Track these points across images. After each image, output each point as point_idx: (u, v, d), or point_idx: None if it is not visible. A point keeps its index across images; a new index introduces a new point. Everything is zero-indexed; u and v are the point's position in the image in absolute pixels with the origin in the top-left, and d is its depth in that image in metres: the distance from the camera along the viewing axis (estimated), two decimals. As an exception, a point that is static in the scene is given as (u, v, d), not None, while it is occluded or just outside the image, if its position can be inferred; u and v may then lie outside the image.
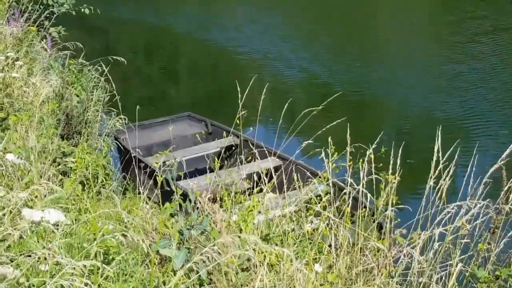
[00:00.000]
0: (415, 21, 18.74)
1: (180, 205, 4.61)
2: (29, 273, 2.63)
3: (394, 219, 3.83)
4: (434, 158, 3.68)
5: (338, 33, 16.91)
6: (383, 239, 3.83)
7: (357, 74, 13.05)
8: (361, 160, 4.20)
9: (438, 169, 3.67)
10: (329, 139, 4.41)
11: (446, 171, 3.73)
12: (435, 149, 3.70)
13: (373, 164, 4.04)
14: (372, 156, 4.16)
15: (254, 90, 5.74)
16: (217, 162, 5.55)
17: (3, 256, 2.45)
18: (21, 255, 2.70)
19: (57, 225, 2.73)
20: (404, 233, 3.64)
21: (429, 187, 3.71)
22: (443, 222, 3.45)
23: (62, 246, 3.12)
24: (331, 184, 4.23)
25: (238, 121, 5.27)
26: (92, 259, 3.02)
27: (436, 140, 3.72)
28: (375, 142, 4.36)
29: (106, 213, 4.27)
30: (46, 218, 2.26)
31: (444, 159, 3.74)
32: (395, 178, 3.86)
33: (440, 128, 3.72)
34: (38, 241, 3.05)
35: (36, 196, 3.29)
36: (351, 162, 4.45)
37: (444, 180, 3.71)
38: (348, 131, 4.33)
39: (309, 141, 5.05)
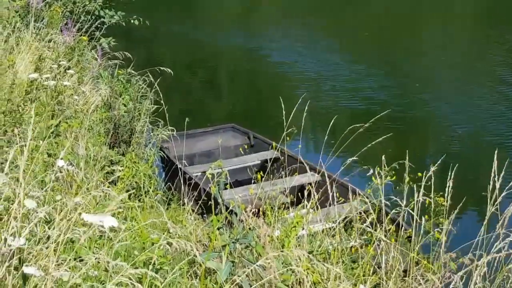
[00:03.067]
0: (465, 42, 18.54)
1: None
2: (82, 278, 2.70)
3: (443, 242, 3.80)
4: (491, 182, 3.61)
5: (385, 52, 16.81)
6: (427, 260, 3.81)
7: (404, 92, 12.96)
8: (406, 181, 4.18)
9: (494, 193, 3.60)
10: (383, 157, 4.39)
11: (492, 196, 3.68)
12: (492, 173, 3.63)
13: (422, 184, 4.00)
14: (420, 174, 4.13)
15: (296, 104, 5.80)
16: (260, 175, 5.60)
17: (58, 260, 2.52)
18: (75, 259, 2.77)
19: (113, 232, 2.80)
20: (453, 257, 3.61)
21: (486, 211, 3.65)
22: (495, 248, 3.39)
23: (110, 253, 3.19)
24: (383, 204, 4.19)
25: (286, 137, 5.30)
26: (140, 268, 3.09)
27: (493, 163, 3.65)
28: (422, 163, 4.34)
29: (151, 222, 4.37)
30: (103, 224, 2.32)
31: (499, 182, 3.67)
32: (446, 201, 3.83)
33: (496, 152, 3.67)
34: (89, 247, 3.13)
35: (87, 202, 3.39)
36: (397, 180, 4.45)
37: (490, 205, 3.66)
38: (407, 153, 4.29)
39: (354, 158, 5.05)
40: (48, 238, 2.39)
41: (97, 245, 3.40)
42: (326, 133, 5.56)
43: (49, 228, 2.66)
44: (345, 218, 4.76)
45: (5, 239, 2.05)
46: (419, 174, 4.08)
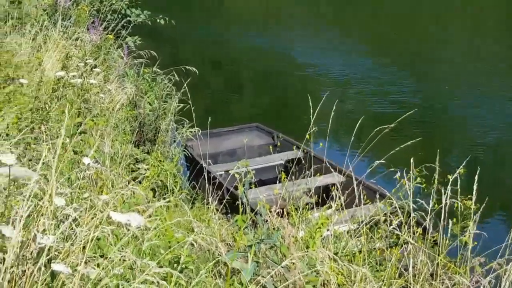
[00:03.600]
0: (497, 47, 18.29)
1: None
2: (108, 276, 2.71)
3: (470, 246, 3.76)
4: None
5: (413, 54, 16.67)
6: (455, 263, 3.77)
7: (432, 94, 12.85)
8: (435, 183, 4.14)
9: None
10: (411, 160, 4.35)
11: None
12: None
13: (449, 187, 3.96)
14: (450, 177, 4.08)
15: (322, 105, 5.77)
16: (283, 175, 5.58)
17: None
18: (101, 257, 2.78)
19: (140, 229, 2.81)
20: (481, 262, 3.56)
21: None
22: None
23: (136, 252, 3.21)
24: (411, 207, 4.15)
25: (310, 137, 5.28)
26: (165, 266, 3.09)
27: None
28: (449, 166, 4.30)
29: (176, 221, 4.38)
30: (131, 223, 2.32)
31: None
32: (474, 205, 3.79)
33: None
34: (115, 245, 3.14)
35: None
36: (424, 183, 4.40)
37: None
38: (437, 154, 4.24)
39: (381, 161, 5.01)
40: (76, 235, 2.39)
41: (122, 243, 3.41)
42: (351, 134, 5.53)
43: (76, 226, 2.67)
44: (371, 219, 4.72)
45: (35, 236, 2.07)
46: (449, 176, 4.03)
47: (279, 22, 20.96)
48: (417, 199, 4.30)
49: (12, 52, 7.19)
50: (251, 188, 6.53)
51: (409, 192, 4.20)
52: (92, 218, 2.45)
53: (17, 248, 1.93)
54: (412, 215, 4.13)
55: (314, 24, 20.46)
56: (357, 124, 5.30)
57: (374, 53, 16.66)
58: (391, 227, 4.07)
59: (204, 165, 6.75)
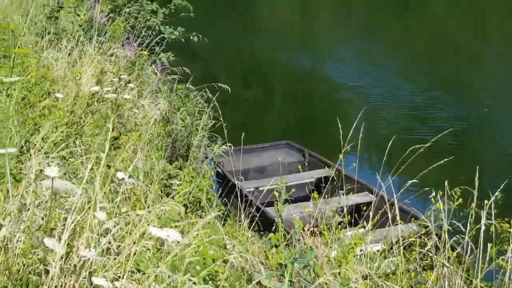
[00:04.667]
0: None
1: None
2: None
3: (508, 270, 3.70)
4: None
5: (450, 73, 16.47)
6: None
7: (469, 115, 12.69)
8: (471, 206, 4.09)
9: None
10: (445, 183, 4.31)
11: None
12: None
13: (485, 210, 3.91)
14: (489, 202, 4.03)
15: (353, 122, 5.76)
16: (316, 194, 5.57)
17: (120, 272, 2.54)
18: (138, 272, 2.79)
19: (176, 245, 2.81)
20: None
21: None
22: None
23: (169, 266, 3.21)
24: (446, 229, 4.10)
25: (341, 156, 5.26)
26: (198, 283, 3.09)
27: None
28: (485, 189, 4.24)
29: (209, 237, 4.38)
30: (169, 238, 2.34)
31: None
32: (511, 227, 3.73)
33: None
34: (150, 260, 3.16)
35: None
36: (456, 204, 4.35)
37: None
38: (477, 178, 4.18)
39: (414, 181, 4.96)
40: (116, 250, 2.41)
41: (155, 258, 3.42)
42: (382, 154, 5.50)
43: (114, 240, 2.69)
44: (405, 240, 4.67)
45: (77, 249, 2.08)
46: (486, 202, 3.98)
47: (312, 40, 21.00)
48: (453, 221, 4.25)
49: (48, 66, 7.31)
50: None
51: (443, 214, 4.15)
52: (132, 233, 2.47)
53: (61, 260, 1.94)
54: (447, 237, 4.08)
55: (348, 42, 20.44)
56: (389, 144, 5.27)
57: (409, 70, 16.51)
58: (426, 249, 4.02)
59: (235, 182, 6.77)
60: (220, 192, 6.16)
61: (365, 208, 6.13)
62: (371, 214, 4.68)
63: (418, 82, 14.98)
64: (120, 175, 4.77)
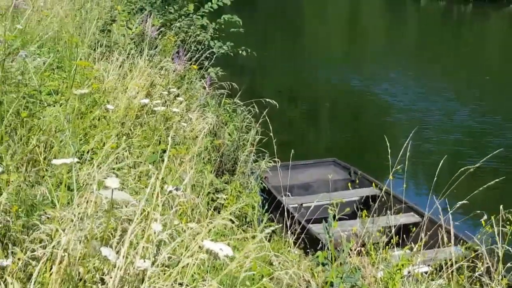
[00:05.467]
0: None
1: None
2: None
3: None
4: None
5: (505, 96, 16.16)
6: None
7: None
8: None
9: None
10: (501, 207, 4.23)
11: None
12: None
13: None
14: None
15: (401, 143, 5.71)
16: (364, 213, 5.53)
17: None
18: (184, 285, 2.81)
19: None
20: None
21: None
22: None
23: (220, 281, 3.22)
24: (500, 253, 4.02)
25: (391, 177, 5.21)
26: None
27: None
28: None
29: (255, 253, 4.38)
30: (222, 252, 2.34)
31: None
32: None
33: None
34: (198, 274, 3.17)
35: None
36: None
37: None
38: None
39: (464, 202, 4.89)
40: (170, 261, 2.43)
41: (203, 272, 3.44)
42: (429, 174, 5.46)
43: (165, 251, 2.71)
44: (452, 263, 4.59)
45: (134, 260, 2.11)
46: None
47: (362, 59, 20.90)
48: (504, 245, 4.16)
49: (99, 78, 7.45)
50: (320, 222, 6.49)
51: (496, 237, 4.06)
52: (184, 246, 2.48)
53: (120, 271, 1.97)
54: (500, 262, 3.99)
55: (400, 63, 20.26)
56: (440, 165, 5.21)
57: (463, 95, 16.21)
58: (477, 273, 3.94)
59: (281, 198, 6.77)
60: (265, 207, 6.16)
61: (413, 229, 6.06)
62: (422, 235, 4.62)
63: (473, 107, 14.71)
64: (168, 187, 4.82)
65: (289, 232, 5.01)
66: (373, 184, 7.81)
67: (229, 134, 7.26)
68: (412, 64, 20.05)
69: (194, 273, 3.24)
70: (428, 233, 4.80)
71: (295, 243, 5.07)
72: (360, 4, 40.65)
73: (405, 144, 5.25)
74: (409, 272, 4.50)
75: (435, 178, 5.14)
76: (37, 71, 6.33)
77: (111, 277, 1.96)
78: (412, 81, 17.32)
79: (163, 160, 5.75)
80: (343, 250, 3.96)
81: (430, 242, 4.98)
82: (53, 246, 2.19)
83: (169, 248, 2.27)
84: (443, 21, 33.87)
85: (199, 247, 2.44)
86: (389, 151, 5.07)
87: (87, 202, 2.24)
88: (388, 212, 5.94)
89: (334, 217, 4.57)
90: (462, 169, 5.11)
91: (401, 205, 6.36)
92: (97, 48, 8.19)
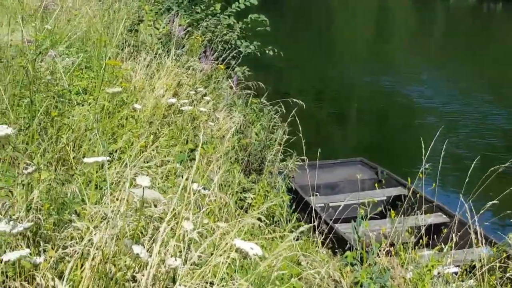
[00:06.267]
0: None
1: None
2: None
3: None
4: None
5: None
6: None
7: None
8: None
9: None
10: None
11: None
12: None
13: None
14: None
15: (430, 143, 5.64)
16: (393, 213, 5.47)
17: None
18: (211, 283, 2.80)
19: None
20: None
21: None
22: None
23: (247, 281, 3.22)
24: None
25: (420, 175, 5.16)
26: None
27: None
28: None
29: (283, 253, 4.37)
30: (252, 252, 2.33)
31: None
32: None
33: None
34: (227, 273, 3.17)
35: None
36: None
37: None
38: None
39: (494, 202, 4.82)
40: (200, 260, 2.43)
41: (229, 271, 3.44)
42: (459, 175, 5.39)
43: (195, 250, 2.71)
44: (482, 263, 4.54)
45: (165, 258, 2.11)
46: None
47: (390, 61, 20.73)
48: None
49: (127, 78, 7.49)
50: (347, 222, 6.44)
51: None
52: (215, 245, 2.48)
53: (152, 269, 1.97)
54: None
55: (429, 60, 20.05)
56: (472, 165, 5.14)
57: (494, 96, 15.97)
58: (508, 274, 3.88)
59: (306, 197, 6.74)
60: (293, 207, 6.13)
61: (443, 229, 5.99)
62: (453, 236, 4.57)
63: (506, 109, 14.48)
64: (195, 186, 4.83)
65: (317, 232, 4.98)
66: (398, 184, 7.74)
67: (256, 134, 7.25)
68: (442, 63, 19.82)
69: (218, 272, 3.24)
70: (458, 233, 4.74)
71: (322, 243, 5.04)
72: (388, 1, 40.36)
73: (431, 144, 5.19)
74: (438, 273, 4.44)
75: (467, 179, 5.07)
76: (65, 70, 6.39)
77: (143, 275, 1.96)
78: (442, 81, 17.13)
79: (190, 159, 5.77)
80: (372, 251, 3.93)
81: (459, 242, 4.93)
82: (85, 244, 2.20)
83: (201, 247, 2.26)
84: (473, 19, 33.47)
85: (230, 246, 2.43)
86: (423, 152, 5.01)
87: (120, 200, 2.24)
88: (418, 212, 5.88)
89: (364, 217, 4.55)
90: (492, 169, 5.04)
91: (429, 205, 6.29)
92: (125, 47, 8.23)
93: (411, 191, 5.79)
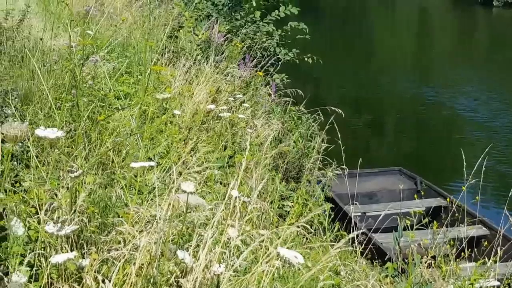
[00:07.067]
0: None
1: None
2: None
3: None
4: None
5: None
6: None
7: None
8: None
9: None
10: None
11: None
12: None
13: None
14: None
15: (472, 157, 5.56)
16: (436, 225, 5.38)
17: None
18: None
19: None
20: None
21: None
22: None
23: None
24: None
25: (463, 188, 5.07)
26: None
27: None
28: None
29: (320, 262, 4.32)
30: (296, 260, 2.31)
31: None
32: None
33: None
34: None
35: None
36: None
37: None
38: None
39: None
40: (243, 267, 2.41)
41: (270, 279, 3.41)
42: (500, 188, 5.29)
43: (236, 257, 2.70)
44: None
45: (210, 264, 2.09)
46: None
47: (431, 71, 20.46)
48: None
49: (166, 83, 7.54)
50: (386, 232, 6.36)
51: None
52: (258, 252, 2.46)
53: (198, 274, 1.96)
54: None
55: (472, 70, 19.71)
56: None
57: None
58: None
59: (346, 207, 6.68)
60: (331, 216, 6.09)
61: (484, 242, 5.88)
62: (499, 250, 4.47)
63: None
64: (234, 193, 4.81)
65: (356, 242, 4.92)
66: (440, 195, 7.63)
67: (294, 142, 7.22)
68: (488, 74, 19.45)
69: (263, 280, 3.22)
70: (503, 247, 4.64)
71: (361, 253, 4.98)
72: (429, 8, 39.89)
73: (479, 160, 5.09)
74: (480, 287, 4.36)
75: (511, 193, 4.96)
76: (106, 76, 6.46)
77: (187, 280, 1.95)
78: (487, 93, 16.77)
79: (229, 166, 5.77)
80: (414, 263, 3.86)
81: (503, 256, 4.83)
82: (130, 248, 2.20)
83: (245, 253, 2.25)
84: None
85: (273, 254, 2.41)
86: (464, 164, 4.92)
87: (169, 204, 2.24)
88: (461, 225, 5.78)
89: (394, 228, 4.48)
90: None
91: (469, 217, 6.19)
92: (165, 54, 8.29)
93: (453, 203, 5.68)
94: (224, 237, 2.22)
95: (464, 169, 5.03)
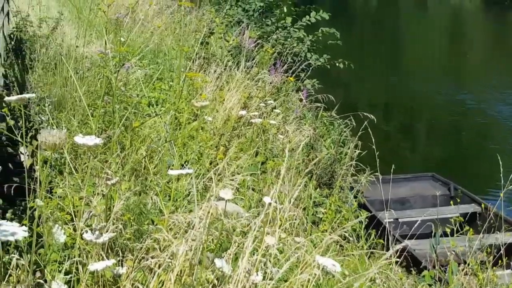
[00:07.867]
0: None
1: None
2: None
3: None
4: None
5: None
6: None
7: None
8: None
9: None
10: None
11: None
12: None
13: None
14: None
15: (506, 161, 5.44)
16: (471, 232, 5.28)
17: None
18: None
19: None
20: None
21: None
22: None
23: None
24: None
25: (501, 195, 4.97)
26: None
27: None
28: None
29: (354, 269, 4.28)
30: (334, 268, 2.27)
31: None
32: None
33: None
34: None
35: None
36: None
37: None
38: None
39: None
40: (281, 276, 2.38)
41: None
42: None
43: (273, 265, 2.67)
44: None
45: (247, 273, 2.07)
46: None
47: (463, 71, 20.21)
48: None
49: (199, 90, 7.56)
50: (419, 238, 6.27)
51: None
52: (293, 260, 2.43)
53: (239, 283, 1.93)
54: None
55: (507, 75, 19.40)
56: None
57: None
58: None
59: (378, 214, 6.61)
60: (365, 223, 6.02)
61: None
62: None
63: None
64: (266, 199, 4.78)
65: (391, 249, 4.85)
66: (475, 201, 7.50)
67: (326, 148, 7.16)
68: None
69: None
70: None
71: (397, 262, 4.91)
72: (461, 13, 39.45)
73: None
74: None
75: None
76: (137, 82, 6.50)
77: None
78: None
79: (261, 172, 5.74)
80: (452, 270, 3.79)
81: None
82: (167, 255, 2.18)
83: (281, 262, 2.22)
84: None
85: (314, 262, 2.38)
86: (501, 170, 4.83)
87: (207, 212, 2.22)
88: (497, 232, 5.66)
89: (430, 235, 4.40)
90: None
91: (507, 224, 6.07)
92: (195, 60, 8.31)
93: (489, 210, 5.57)
94: (263, 245, 2.19)
95: (501, 174, 4.93)
